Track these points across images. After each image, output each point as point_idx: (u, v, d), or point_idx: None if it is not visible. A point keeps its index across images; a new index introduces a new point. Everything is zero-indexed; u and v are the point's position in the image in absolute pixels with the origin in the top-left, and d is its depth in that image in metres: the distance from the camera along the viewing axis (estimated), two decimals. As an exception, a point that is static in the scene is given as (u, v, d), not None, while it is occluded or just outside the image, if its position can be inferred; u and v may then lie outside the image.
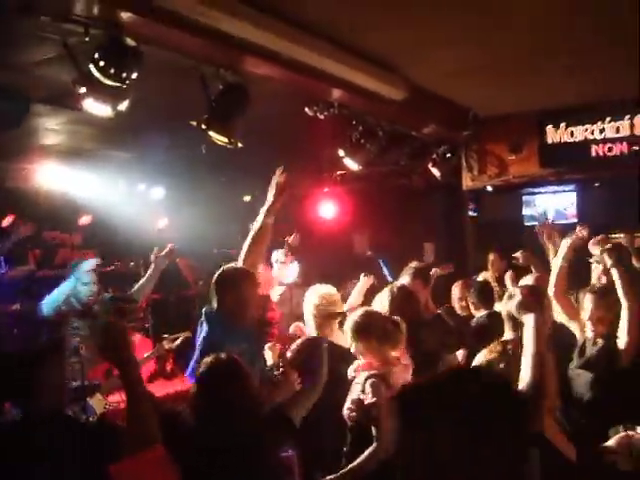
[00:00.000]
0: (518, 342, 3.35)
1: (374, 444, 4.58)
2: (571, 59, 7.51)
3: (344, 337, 5.38)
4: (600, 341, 5.24)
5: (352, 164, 8.29)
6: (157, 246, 7.69)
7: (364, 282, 7.03)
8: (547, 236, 7.12)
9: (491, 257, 10.00)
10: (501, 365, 3.34)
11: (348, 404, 4.82)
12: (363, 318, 5.01)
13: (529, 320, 3.20)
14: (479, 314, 6.94)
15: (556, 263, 5.93)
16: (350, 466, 4.63)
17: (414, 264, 7.24)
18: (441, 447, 1.68)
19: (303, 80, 6.47)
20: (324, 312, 5.95)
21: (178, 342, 7.40)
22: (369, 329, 4.95)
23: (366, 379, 4.77)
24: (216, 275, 5.15)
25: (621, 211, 16.68)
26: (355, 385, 4.92)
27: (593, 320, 5.23)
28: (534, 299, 3.31)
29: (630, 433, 3.39)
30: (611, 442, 3.43)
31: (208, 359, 3.98)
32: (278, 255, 8.80)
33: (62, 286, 7.08)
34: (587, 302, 5.28)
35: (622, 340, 5.02)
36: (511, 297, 4.82)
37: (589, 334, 5.32)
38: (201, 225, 11.52)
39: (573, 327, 5.56)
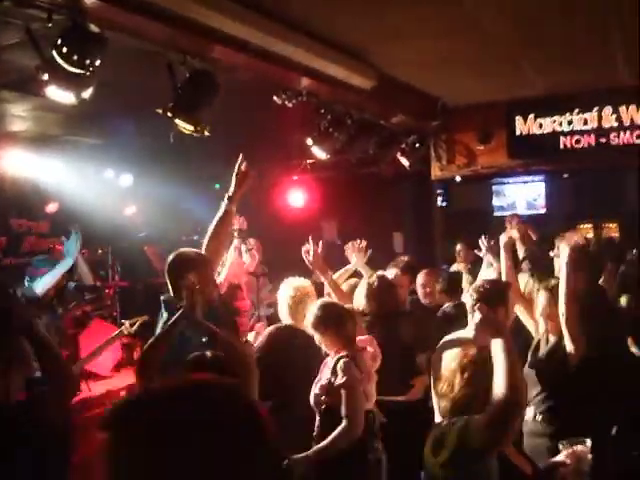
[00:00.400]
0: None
1: (343, 423, 4.59)
2: (540, 51, 7.55)
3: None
4: (552, 339, 5.14)
5: (320, 153, 8.26)
6: (124, 233, 7.66)
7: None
8: (520, 235, 7.16)
9: (458, 247, 10.05)
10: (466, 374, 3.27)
11: (317, 388, 4.81)
12: (318, 311, 5.00)
13: (496, 345, 3.11)
14: (447, 304, 6.95)
15: (502, 265, 5.95)
16: (319, 445, 4.64)
17: (405, 258, 7.27)
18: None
19: (271, 68, 6.44)
20: (298, 304, 5.98)
21: (136, 326, 7.37)
22: (326, 320, 4.95)
23: (337, 361, 4.77)
24: (166, 264, 5.04)
25: (589, 202, 16.90)
26: (325, 369, 4.92)
27: (544, 317, 5.14)
28: (497, 321, 3.25)
29: (579, 448, 3.40)
30: (561, 456, 3.45)
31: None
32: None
33: (57, 268, 6.99)
34: (540, 299, 5.21)
35: (567, 343, 4.95)
36: (475, 289, 4.88)
37: (542, 332, 5.25)
38: (170, 213, 11.48)
39: (530, 325, 5.53)
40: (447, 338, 4.83)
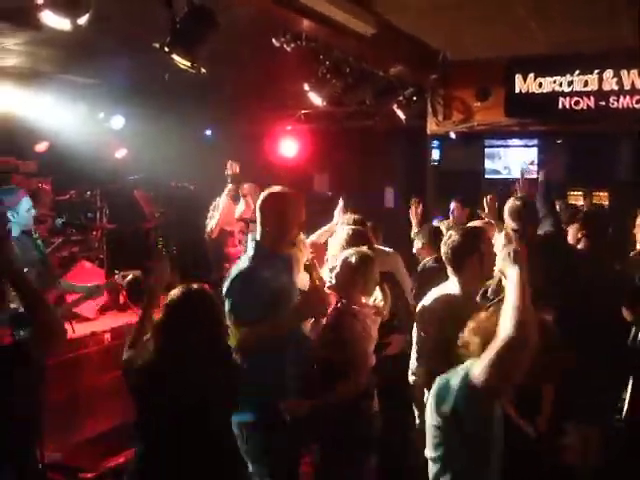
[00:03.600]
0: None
1: (347, 380, 4.53)
2: (545, 7, 7.44)
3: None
4: None
5: (317, 99, 8.16)
6: (115, 176, 7.54)
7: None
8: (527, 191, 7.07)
9: (452, 205, 10.01)
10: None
11: (320, 337, 4.73)
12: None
13: (512, 273, 3.11)
14: (428, 258, 6.89)
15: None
16: (324, 399, 4.55)
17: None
18: None
19: (272, 7, 6.28)
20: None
21: (128, 279, 7.29)
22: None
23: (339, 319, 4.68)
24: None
25: (581, 169, 16.85)
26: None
27: None
28: (522, 251, 3.21)
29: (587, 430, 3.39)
30: (568, 438, 3.44)
31: (179, 288, 3.86)
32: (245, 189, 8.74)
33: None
34: None
35: None
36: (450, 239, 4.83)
37: None
38: (161, 157, 11.34)
39: None
40: (432, 293, 4.81)
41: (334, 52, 7.87)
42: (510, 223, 5.90)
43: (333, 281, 4.76)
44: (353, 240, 5.42)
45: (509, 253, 3.15)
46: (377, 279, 4.91)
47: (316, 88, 8.04)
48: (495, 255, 3.41)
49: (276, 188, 4.75)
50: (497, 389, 3.03)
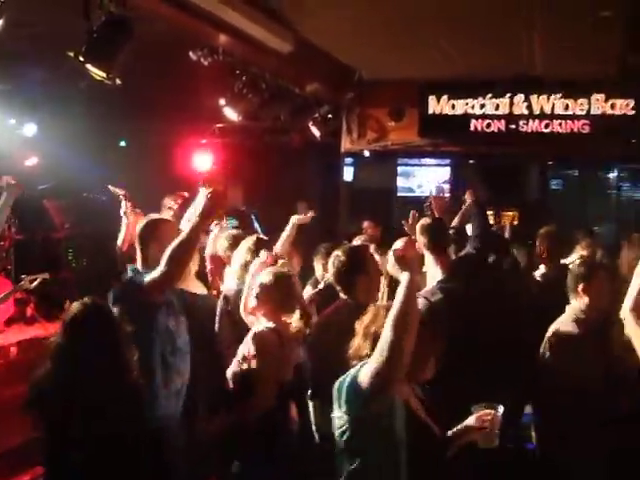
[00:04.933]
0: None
1: (254, 394, 4.52)
2: (459, 32, 7.61)
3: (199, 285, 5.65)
4: None
5: (232, 114, 8.15)
6: (24, 184, 7.38)
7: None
8: (438, 209, 7.16)
9: (365, 224, 10.08)
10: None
11: (238, 357, 4.71)
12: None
13: (403, 278, 3.16)
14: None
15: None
16: (230, 416, 4.59)
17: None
18: None
19: (190, 21, 6.26)
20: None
21: (36, 283, 7.15)
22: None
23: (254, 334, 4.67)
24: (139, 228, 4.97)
25: (492, 189, 17.18)
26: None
27: None
28: (409, 257, 3.26)
29: (489, 411, 3.45)
30: (471, 420, 3.50)
31: (77, 304, 3.78)
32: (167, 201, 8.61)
33: None
34: None
35: None
36: (337, 259, 4.89)
37: None
38: (73, 166, 11.13)
39: None
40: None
41: (251, 68, 7.89)
42: (420, 239, 5.97)
43: (254, 302, 4.77)
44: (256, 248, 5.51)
45: (399, 258, 3.21)
46: (299, 297, 4.95)
47: (232, 103, 8.03)
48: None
49: (154, 215, 5.07)
50: (380, 389, 3.08)
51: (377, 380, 3.03)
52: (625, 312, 2.78)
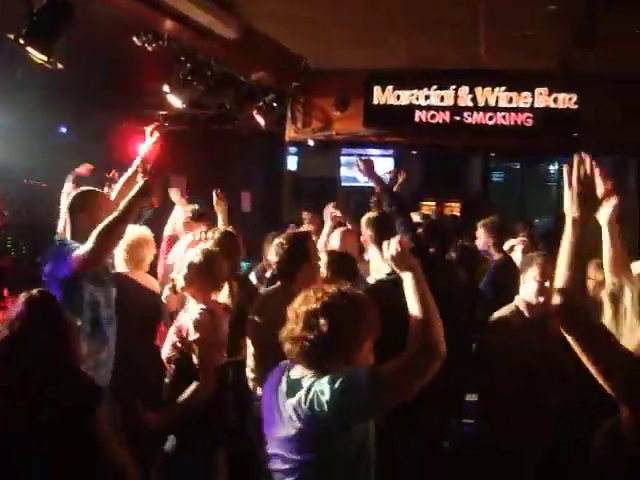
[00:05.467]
0: None
1: (197, 382, 4.47)
2: (406, 23, 7.60)
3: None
4: None
5: (176, 101, 8.06)
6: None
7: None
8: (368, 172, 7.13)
9: (305, 214, 10.06)
10: None
11: (172, 338, 4.64)
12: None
13: (407, 278, 3.10)
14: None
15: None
16: (174, 402, 4.50)
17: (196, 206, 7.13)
18: None
19: (134, 5, 6.15)
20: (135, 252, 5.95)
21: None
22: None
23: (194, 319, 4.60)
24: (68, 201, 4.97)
25: (434, 180, 17.36)
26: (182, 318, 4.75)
27: None
28: (410, 255, 3.19)
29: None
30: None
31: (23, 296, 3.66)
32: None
33: None
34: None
35: None
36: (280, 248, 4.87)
37: None
38: (12, 152, 10.89)
39: None
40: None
41: (196, 54, 7.79)
42: (366, 232, 5.97)
43: (182, 282, 4.72)
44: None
45: (395, 258, 3.14)
46: (225, 275, 4.92)
47: (176, 90, 7.92)
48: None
49: (85, 188, 5.20)
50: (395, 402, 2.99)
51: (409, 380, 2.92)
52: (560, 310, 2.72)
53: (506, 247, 8.17)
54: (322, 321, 2.98)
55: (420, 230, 6.96)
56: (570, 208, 2.73)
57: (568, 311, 2.58)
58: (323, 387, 2.86)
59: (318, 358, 2.99)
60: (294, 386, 3.01)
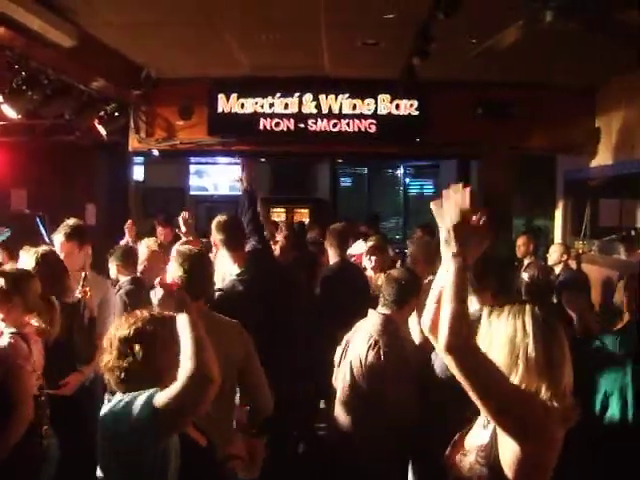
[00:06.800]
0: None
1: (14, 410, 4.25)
2: (249, 33, 7.60)
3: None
4: None
5: (11, 112, 7.75)
6: None
7: None
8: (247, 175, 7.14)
9: (155, 224, 9.99)
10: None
11: None
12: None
13: (181, 320, 3.10)
14: (124, 278, 6.66)
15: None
16: None
17: (72, 221, 6.67)
18: None
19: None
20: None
21: None
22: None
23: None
24: None
25: (283, 187, 17.48)
26: None
27: None
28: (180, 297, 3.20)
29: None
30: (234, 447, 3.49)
31: None
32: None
33: None
34: None
35: None
36: None
37: None
38: None
39: None
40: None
41: (31, 62, 7.50)
42: (217, 236, 5.99)
43: None
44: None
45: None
46: (38, 296, 4.72)
47: (10, 100, 7.62)
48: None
49: None
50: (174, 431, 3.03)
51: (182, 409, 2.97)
52: (425, 327, 2.72)
53: (356, 250, 8.37)
54: (136, 347, 3.05)
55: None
56: (447, 245, 2.64)
57: (455, 343, 2.59)
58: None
59: (132, 384, 3.04)
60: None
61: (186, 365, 2.91)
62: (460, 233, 2.59)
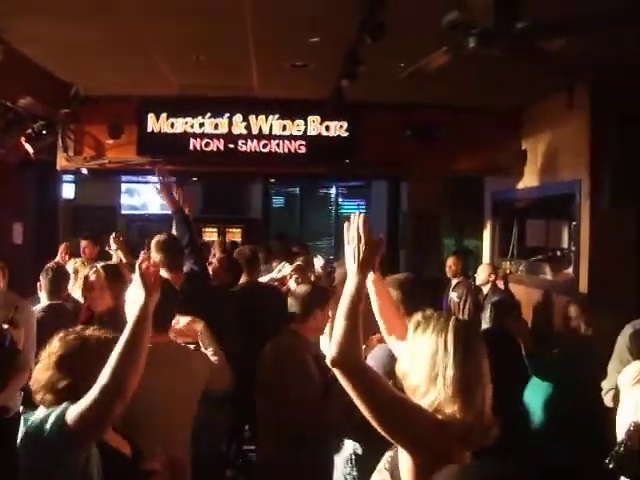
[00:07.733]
0: None
1: None
2: (177, 52, 7.62)
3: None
4: None
5: None
6: None
7: None
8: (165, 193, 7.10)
9: (83, 243, 9.88)
10: None
11: None
12: None
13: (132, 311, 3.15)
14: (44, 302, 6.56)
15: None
16: None
17: None
18: None
19: None
20: None
21: None
22: None
23: None
24: None
25: (216, 207, 17.47)
26: None
27: None
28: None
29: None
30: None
31: None
32: None
33: None
34: None
35: None
36: None
37: None
38: None
39: None
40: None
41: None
42: (155, 256, 5.95)
43: None
44: None
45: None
46: None
47: None
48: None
49: None
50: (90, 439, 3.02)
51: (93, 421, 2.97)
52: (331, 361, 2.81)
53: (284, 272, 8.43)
54: (72, 365, 3.12)
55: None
56: (351, 263, 2.90)
57: (342, 360, 2.70)
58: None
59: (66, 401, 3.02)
60: None
61: (104, 375, 2.92)
62: (362, 253, 2.88)
